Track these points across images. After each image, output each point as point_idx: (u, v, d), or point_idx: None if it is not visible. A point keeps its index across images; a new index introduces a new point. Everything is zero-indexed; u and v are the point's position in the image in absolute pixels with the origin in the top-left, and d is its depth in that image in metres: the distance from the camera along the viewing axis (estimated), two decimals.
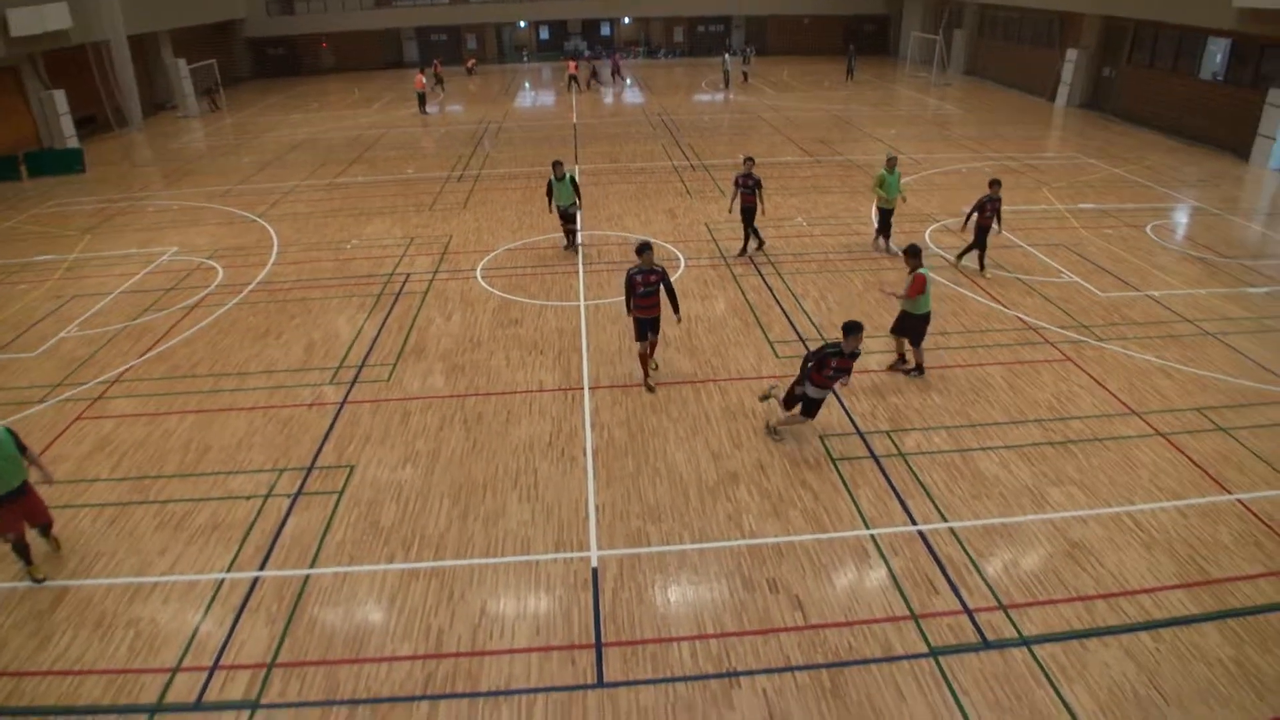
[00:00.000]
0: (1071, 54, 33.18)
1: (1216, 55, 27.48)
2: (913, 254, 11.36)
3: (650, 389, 11.29)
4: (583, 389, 11.42)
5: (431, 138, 29.58)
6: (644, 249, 10.87)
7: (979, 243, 15.33)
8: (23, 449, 7.85)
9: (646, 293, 10.80)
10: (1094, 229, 18.18)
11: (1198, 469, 9.73)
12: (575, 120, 31.86)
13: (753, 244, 16.38)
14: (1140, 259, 16.41)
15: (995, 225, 15.15)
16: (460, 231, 18.19)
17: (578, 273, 15.57)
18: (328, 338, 13.09)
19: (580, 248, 16.87)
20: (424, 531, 8.68)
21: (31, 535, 8.21)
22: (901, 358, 11.93)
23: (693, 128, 29.96)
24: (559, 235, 17.56)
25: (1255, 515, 9.04)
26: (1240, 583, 8.08)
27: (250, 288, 15.27)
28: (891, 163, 16.04)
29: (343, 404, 11.14)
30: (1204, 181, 22.52)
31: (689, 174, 23.01)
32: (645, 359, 11.30)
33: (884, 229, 16.67)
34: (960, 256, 15.80)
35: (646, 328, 11.05)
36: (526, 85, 42.96)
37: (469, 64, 48.49)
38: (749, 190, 15.43)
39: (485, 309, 13.95)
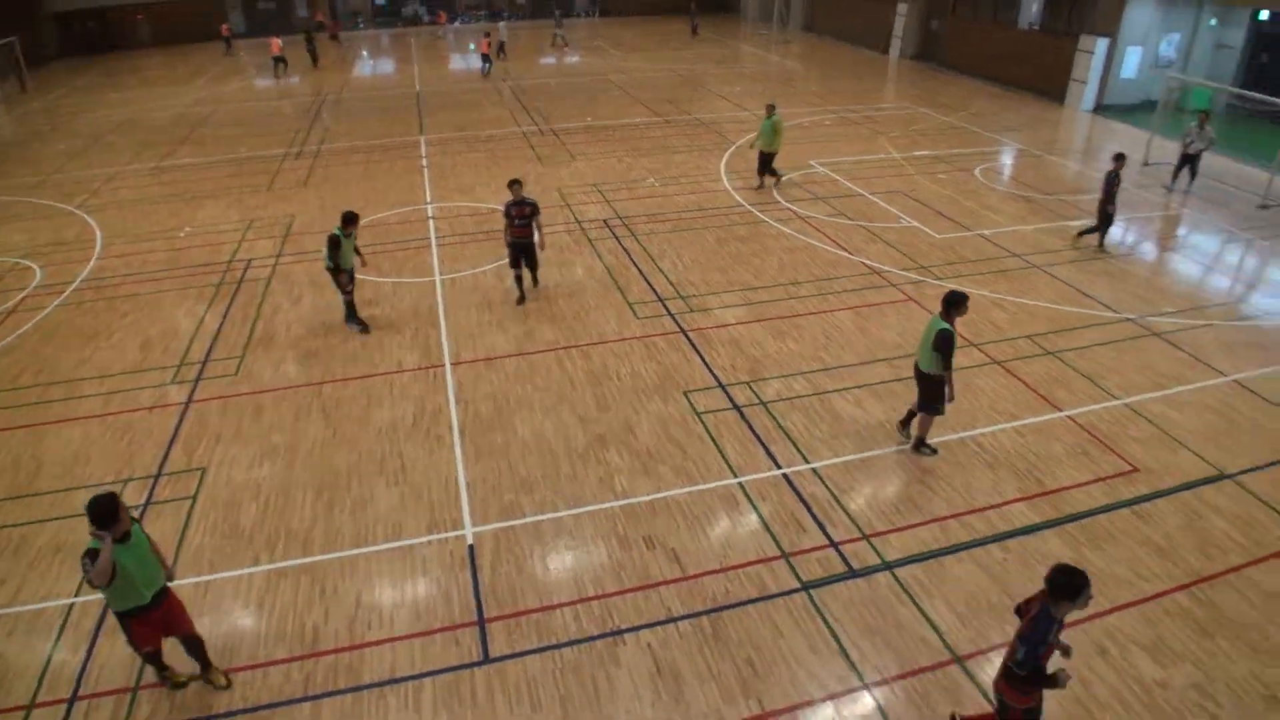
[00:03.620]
0: (902, 8, 34.55)
1: (1033, 5, 29.27)
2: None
3: None
4: (444, 366, 11.19)
5: (264, 112, 27.98)
6: None
7: (1108, 220, 14.64)
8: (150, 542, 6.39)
9: None
10: (928, 174, 19.15)
11: (1031, 391, 10.50)
12: (419, 89, 30.83)
13: (528, 282, 13.17)
14: (971, 200, 17.42)
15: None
16: (303, 211, 17.34)
17: (430, 247, 15.16)
18: (165, 334, 12.28)
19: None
20: (289, 528, 8.35)
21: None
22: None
23: (540, 92, 29.55)
24: (409, 209, 17.03)
25: (1083, 428, 9.87)
26: (1073, 490, 8.84)
27: (74, 286, 14.10)
28: (768, 109, 17.31)
29: (188, 403, 10.51)
30: (1025, 125, 24.07)
31: (538, 139, 22.72)
32: None
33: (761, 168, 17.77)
34: (1101, 240, 14.93)
35: None
36: (364, 53, 41.18)
37: (333, 30, 45.53)
38: (523, 221, 12.26)
39: (336, 291, 13.39)
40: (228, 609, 7.41)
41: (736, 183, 18.41)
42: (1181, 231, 16.41)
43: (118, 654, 6.94)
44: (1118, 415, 10.14)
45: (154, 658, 6.43)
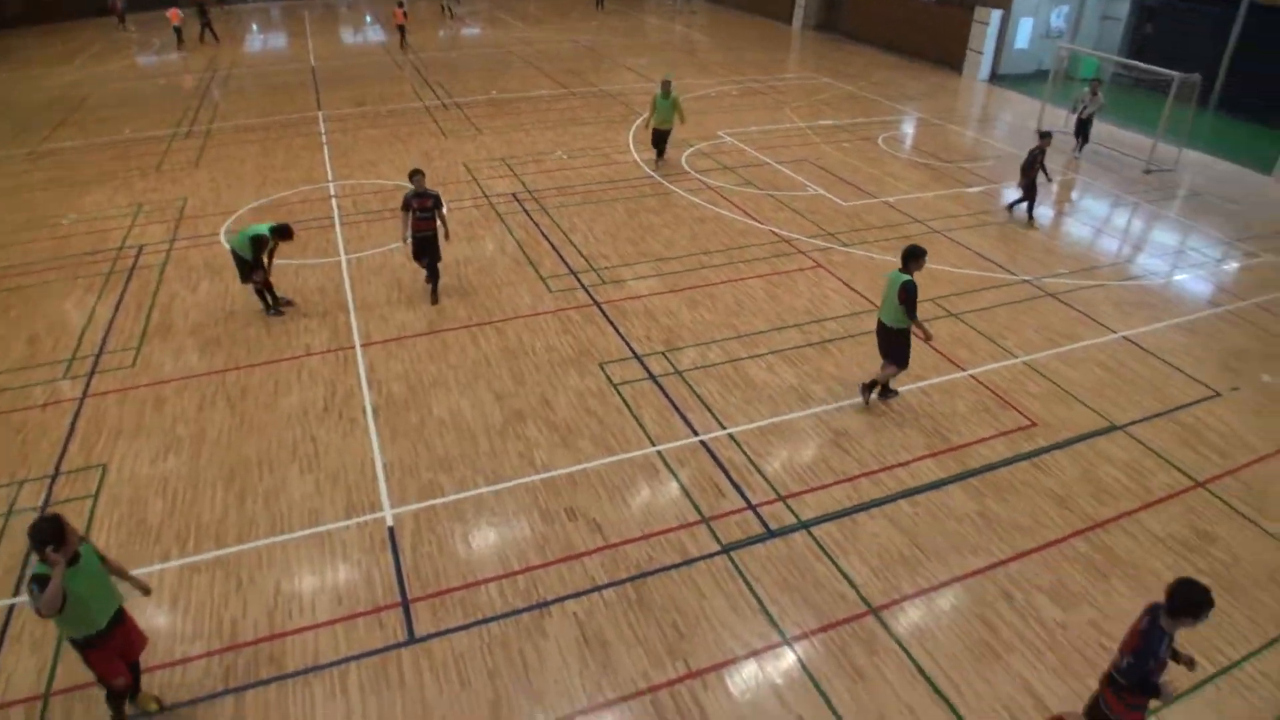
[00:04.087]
0: None
1: None
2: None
3: None
4: (354, 347, 10.94)
5: (150, 91, 26.61)
6: None
7: (1031, 194, 15.19)
8: (102, 559, 5.88)
9: None
10: (833, 143, 19.53)
11: (935, 352, 10.90)
12: (314, 63, 29.77)
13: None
14: (874, 168, 17.86)
15: (1044, 175, 15.15)
16: (196, 193, 16.62)
17: (334, 227, 14.75)
18: (54, 327, 11.65)
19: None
20: (199, 521, 8.09)
21: None
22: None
23: (442, 65, 28.88)
24: (310, 188, 16.53)
25: (984, 385, 10.31)
26: (977, 446, 9.25)
27: None
28: (665, 87, 16.74)
29: (83, 398, 10.03)
30: (925, 94, 24.73)
31: (441, 113, 22.25)
32: None
33: (658, 147, 17.60)
34: (1030, 211, 15.45)
35: None
36: (255, 27, 39.49)
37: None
38: (425, 214, 11.55)
39: (235, 275, 12.88)
40: (140, 607, 7.10)
41: (645, 154, 18.42)
42: (1073, 196, 17.19)
43: (24, 662, 6.66)
44: (1016, 373, 10.63)
45: (122, 694, 6.01)
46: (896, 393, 10.09)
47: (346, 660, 6.64)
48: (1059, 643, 6.97)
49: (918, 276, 9.21)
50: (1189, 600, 5.00)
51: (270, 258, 11.51)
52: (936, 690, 6.50)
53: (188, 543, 7.83)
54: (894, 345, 9.48)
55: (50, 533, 5.22)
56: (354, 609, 7.10)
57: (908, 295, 8.99)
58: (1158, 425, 9.80)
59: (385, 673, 6.54)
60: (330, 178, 17.21)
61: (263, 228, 11.19)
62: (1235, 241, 15.31)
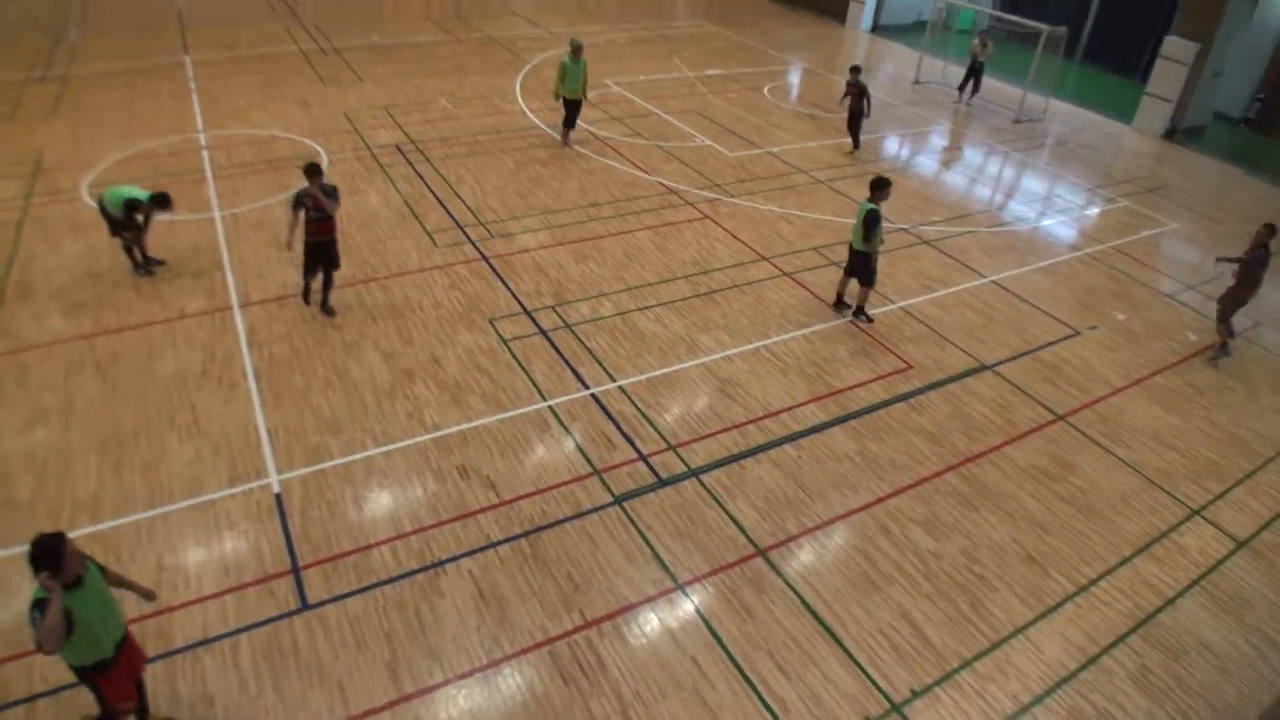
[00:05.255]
0: None
1: None
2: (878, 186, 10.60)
3: None
4: (232, 308, 10.52)
5: None
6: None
7: (852, 128, 16.39)
8: (103, 571, 5.21)
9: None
10: (720, 94, 19.64)
11: (818, 300, 11.27)
12: (179, 4, 27.86)
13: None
14: (760, 118, 18.08)
15: (866, 108, 16.26)
16: (54, 144, 15.47)
17: (207, 180, 14.02)
18: None
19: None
20: (74, 495, 7.73)
21: None
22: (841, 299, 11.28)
23: (317, 6, 27.49)
24: (179, 138, 15.63)
25: (864, 331, 10.76)
26: (857, 389, 9.67)
27: None
28: (576, 50, 14.85)
29: None
30: (809, 44, 25.05)
31: (319, 59, 21.24)
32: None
33: (569, 120, 15.73)
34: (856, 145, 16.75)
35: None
36: None
37: None
38: (321, 214, 9.76)
39: (101, 233, 12.08)
40: (14, 590, 6.83)
41: (533, 104, 18.12)
42: (949, 145, 17.83)
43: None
44: (894, 318, 11.11)
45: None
46: (870, 318, 11.03)
47: (237, 632, 6.54)
48: (933, 571, 7.46)
49: (884, 205, 10.63)
50: None
51: (147, 223, 10.88)
52: (821, 622, 6.89)
53: (61, 518, 7.49)
54: (860, 267, 10.62)
55: (44, 555, 4.63)
56: (242, 579, 6.97)
57: (870, 222, 10.23)
58: (1023, 363, 10.46)
59: (278, 641, 6.48)
60: (200, 127, 16.29)
61: (140, 192, 10.57)
62: (1096, 188, 16.26)
